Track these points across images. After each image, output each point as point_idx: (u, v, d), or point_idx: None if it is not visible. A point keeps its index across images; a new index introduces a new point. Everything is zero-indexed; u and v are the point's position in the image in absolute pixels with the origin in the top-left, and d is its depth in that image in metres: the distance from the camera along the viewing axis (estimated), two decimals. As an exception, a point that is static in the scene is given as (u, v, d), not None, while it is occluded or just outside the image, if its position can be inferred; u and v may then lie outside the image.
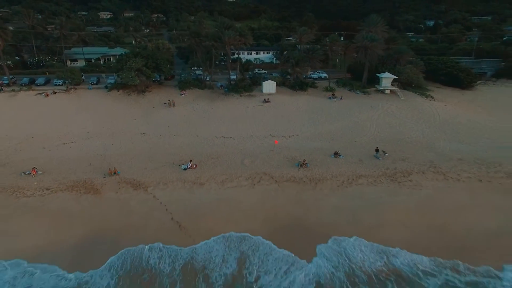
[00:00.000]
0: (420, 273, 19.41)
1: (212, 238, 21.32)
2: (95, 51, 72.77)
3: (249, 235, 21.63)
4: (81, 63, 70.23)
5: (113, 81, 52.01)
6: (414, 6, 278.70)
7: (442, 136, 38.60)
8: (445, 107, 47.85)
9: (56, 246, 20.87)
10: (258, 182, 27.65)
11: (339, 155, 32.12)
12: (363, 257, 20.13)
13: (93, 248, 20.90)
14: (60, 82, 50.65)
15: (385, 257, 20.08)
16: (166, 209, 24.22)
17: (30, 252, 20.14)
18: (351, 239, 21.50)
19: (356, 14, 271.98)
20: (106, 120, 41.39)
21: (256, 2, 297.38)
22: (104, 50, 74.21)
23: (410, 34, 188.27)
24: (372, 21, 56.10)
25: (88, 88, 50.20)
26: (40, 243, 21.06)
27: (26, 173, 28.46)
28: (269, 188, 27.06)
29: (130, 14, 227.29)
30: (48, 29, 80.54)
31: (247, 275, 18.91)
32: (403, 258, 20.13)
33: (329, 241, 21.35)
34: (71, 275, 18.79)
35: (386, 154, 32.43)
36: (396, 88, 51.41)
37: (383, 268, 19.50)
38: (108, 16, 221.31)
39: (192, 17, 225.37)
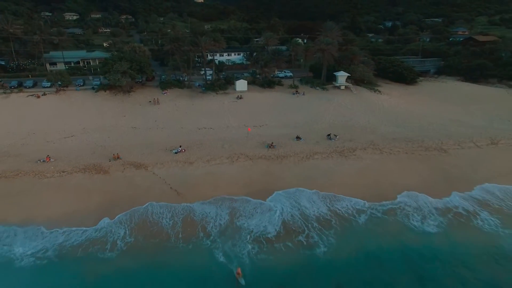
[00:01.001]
0: (354, 212, 27.93)
1: (209, 200, 28.58)
2: (75, 55, 76.65)
3: (235, 196, 29.17)
4: (60, 66, 73.87)
5: (98, 82, 57.29)
6: (374, 7, 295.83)
7: (383, 122, 48.29)
8: (389, 99, 58.14)
9: (80, 212, 27.08)
10: (236, 160, 35.26)
11: (300, 139, 40.50)
12: (313, 200, 28.46)
13: (109, 211, 27.30)
14: (48, 84, 55.20)
15: (328, 200, 28.47)
16: (165, 182, 31.16)
17: (60, 217, 26.22)
18: (309, 191, 29.82)
19: (322, 14, 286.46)
20: (98, 117, 47.07)
21: (224, 3, 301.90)
22: (83, 53, 78.19)
23: (371, 35, 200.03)
24: (329, 27, 65.67)
25: (76, 90, 55.19)
26: (67, 211, 27.20)
27: (41, 160, 34.06)
28: (245, 164, 34.75)
29: (98, 16, 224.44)
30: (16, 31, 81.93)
31: (237, 222, 26.32)
32: (343, 202, 28.62)
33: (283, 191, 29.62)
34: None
35: (337, 136, 41.29)
36: (350, 85, 61.12)
37: (328, 210, 27.81)
38: (74, 18, 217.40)
39: (161, 19, 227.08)
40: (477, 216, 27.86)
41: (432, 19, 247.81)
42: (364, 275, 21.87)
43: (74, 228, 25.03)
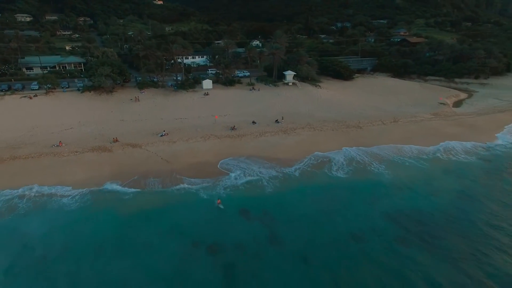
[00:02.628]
0: (293, 170, 41.93)
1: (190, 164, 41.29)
2: (51, 60, 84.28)
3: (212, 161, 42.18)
4: (36, 71, 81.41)
5: (82, 84, 67.05)
6: (327, 9, 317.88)
7: (319, 109, 63.75)
8: (327, 92, 74.23)
9: (96, 178, 38.42)
10: (208, 138, 48.32)
11: (255, 123, 54.44)
12: (263, 162, 42.39)
13: (119, 177, 38.96)
14: (36, 86, 64.02)
15: (275, 162, 42.52)
16: (157, 155, 43.37)
17: (83, 181, 37.43)
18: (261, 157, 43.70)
19: (279, 16, 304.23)
20: (89, 113, 57.51)
21: (184, 5, 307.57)
22: (58, 58, 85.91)
23: (323, 36, 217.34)
24: (278, 35, 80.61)
25: (63, 91, 64.60)
26: (86, 177, 38.45)
27: (55, 145, 44.55)
28: (215, 141, 47.90)
29: (54, 17, 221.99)
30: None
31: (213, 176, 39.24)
32: (284, 161, 42.78)
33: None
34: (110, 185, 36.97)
35: (283, 119, 55.81)
36: (296, 81, 76.40)
37: (274, 168, 41.74)
38: (28, 19, 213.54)
39: (121, 21, 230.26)
40: (371, 164, 43.33)
41: (378, 20, 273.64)
42: (298, 207, 34.90)
43: (94, 188, 36.43)
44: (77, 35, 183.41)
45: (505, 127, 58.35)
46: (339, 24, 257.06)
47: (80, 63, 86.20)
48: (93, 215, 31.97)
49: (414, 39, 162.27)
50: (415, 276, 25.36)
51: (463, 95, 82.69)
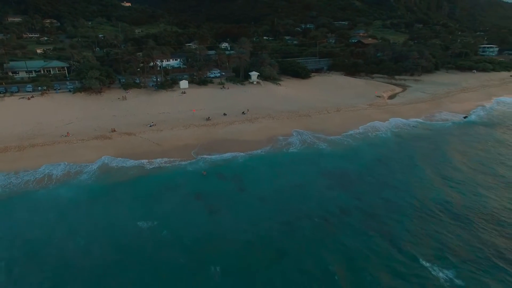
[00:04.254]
0: (256, 148, 56.21)
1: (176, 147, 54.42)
2: (36, 64, 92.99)
3: (193, 143, 55.50)
4: (22, 75, 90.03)
5: (72, 86, 77.52)
6: (293, 11, 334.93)
7: (278, 103, 78.72)
8: (286, 89, 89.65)
9: (96, 169, 50.55)
10: (188, 127, 61.60)
11: (226, 114, 68.35)
12: (233, 146, 56.53)
13: (123, 156, 51.30)
14: (31, 88, 73.79)
15: (243, 143, 56.74)
16: (149, 140, 56.05)
17: (93, 159, 49.44)
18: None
19: (247, 17, 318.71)
20: (83, 110, 68.62)
21: (152, 7, 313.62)
22: (42, 63, 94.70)
23: (288, 37, 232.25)
24: (243, 41, 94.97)
25: (56, 92, 74.85)
26: (94, 157, 50.46)
27: (64, 135, 55.88)
28: (194, 129, 61.25)
29: (18, 19, 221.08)
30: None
31: (196, 156, 52.52)
32: (248, 144, 57.05)
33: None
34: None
35: (248, 111, 70.18)
36: (260, 80, 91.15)
37: (242, 149, 55.87)
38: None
39: (90, 23, 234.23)
40: (316, 142, 58.61)
41: (340, 22, 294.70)
42: (259, 171, 48.99)
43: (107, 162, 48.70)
44: (45, 38, 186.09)
45: (422, 114, 76.70)
46: (303, 26, 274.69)
47: (63, 67, 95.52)
48: (114, 179, 44.46)
49: (368, 41, 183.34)
50: (334, 205, 40.26)
51: (398, 89, 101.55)
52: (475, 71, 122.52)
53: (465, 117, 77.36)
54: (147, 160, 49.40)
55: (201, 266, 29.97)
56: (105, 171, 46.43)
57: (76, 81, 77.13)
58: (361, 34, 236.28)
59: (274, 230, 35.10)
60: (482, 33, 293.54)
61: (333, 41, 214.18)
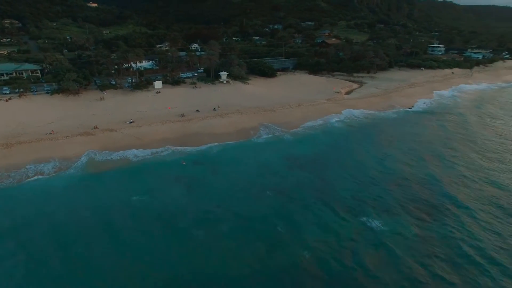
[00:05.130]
0: (227, 139, 64.34)
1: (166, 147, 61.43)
2: (8, 67, 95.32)
3: (170, 137, 62.68)
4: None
5: (49, 88, 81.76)
6: (261, 12, 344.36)
7: (246, 100, 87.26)
8: (253, 87, 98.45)
9: (85, 160, 56.67)
10: (165, 123, 68.66)
11: (198, 111, 75.98)
12: (207, 138, 64.42)
13: (108, 149, 57.64)
14: (8, 91, 77.38)
15: (215, 136, 64.72)
16: (129, 135, 62.60)
17: (78, 154, 55.43)
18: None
19: (216, 18, 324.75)
20: (63, 110, 73.55)
21: (119, 7, 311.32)
22: (14, 66, 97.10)
23: (257, 38, 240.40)
24: (212, 44, 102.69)
25: (34, 94, 78.90)
26: (81, 151, 56.46)
27: (48, 133, 61.11)
28: (170, 124, 68.40)
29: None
30: None
31: (172, 147, 59.74)
32: (220, 136, 65.13)
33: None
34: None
35: (219, 107, 78.17)
36: (230, 80, 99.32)
37: (213, 138, 63.82)
38: None
39: (54, 24, 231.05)
40: (279, 133, 67.66)
41: (306, 22, 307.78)
42: (231, 158, 57.88)
43: (92, 156, 54.94)
44: (7, 39, 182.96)
45: (373, 107, 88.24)
46: (271, 26, 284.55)
47: (36, 70, 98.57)
48: (102, 168, 50.92)
49: (331, 41, 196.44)
50: (291, 181, 49.26)
51: (355, 86, 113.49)
52: (423, 68, 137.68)
53: (410, 108, 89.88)
54: (130, 152, 56.17)
55: (180, 227, 37.87)
56: (92, 162, 52.92)
57: (54, 83, 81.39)
58: (327, 34, 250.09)
59: (238, 201, 43.55)
60: (436, 33, 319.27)
61: (300, 41, 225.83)
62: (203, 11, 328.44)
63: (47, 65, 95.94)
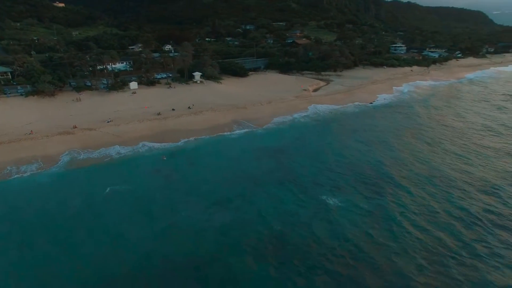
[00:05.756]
0: (202, 134, 69.70)
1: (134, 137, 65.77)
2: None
3: (148, 134, 67.18)
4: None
5: (22, 90, 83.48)
6: (233, 13, 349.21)
7: (219, 98, 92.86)
8: (225, 87, 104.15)
9: (73, 149, 60.27)
10: (142, 121, 72.99)
11: (174, 109, 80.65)
12: (185, 132, 69.57)
13: (88, 147, 61.41)
14: (-19, 94, 78.61)
15: (192, 131, 69.94)
16: (108, 133, 66.52)
17: (59, 152, 58.95)
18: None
19: (188, 19, 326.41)
20: (39, 112, 75.95)
21: (88, 8, 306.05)
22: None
23: (229, 38, 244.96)
24: (185, 46, 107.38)
25: (7, 96, 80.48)
26: (63, 149, 59.96)
27: (28, 133, 63.86)
28: (148, 122, 72.82)
29: None
30: None
31: (153, 145, 64.28)
32: (194, 131, 70.44)
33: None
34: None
35: (194, 106, 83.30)
36: (203, 80, 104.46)
37: (191, 131, 69.01)
38: None
39: (18, 24, 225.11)
40: (250, 128, 73.79)
41: (278, 23, 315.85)
42: (205, 151, 63.43)
43: (74, 154, 58.62)
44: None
45: (338, 102, 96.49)
46: (243, 27, 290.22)
47: (6, 72, 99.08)
48: (85, 164, 54.81)
49: (301, 41, 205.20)
50: (261, 169, 55.47)
51: (322, 83, 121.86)
52: (385, 66, 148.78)
53: (370, 103, 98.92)
54: (111, 148, 60.38)
55: (157, 211, 43.09)
56: (75, 159, 56.66)
57: (28, 86, 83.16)
58: (297, 34, 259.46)
59: (213, 186, 49.19)
60: (401, 33, 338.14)
61: (272, 41, 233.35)
62: (175, 12, 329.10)
63: (17, 67, 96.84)
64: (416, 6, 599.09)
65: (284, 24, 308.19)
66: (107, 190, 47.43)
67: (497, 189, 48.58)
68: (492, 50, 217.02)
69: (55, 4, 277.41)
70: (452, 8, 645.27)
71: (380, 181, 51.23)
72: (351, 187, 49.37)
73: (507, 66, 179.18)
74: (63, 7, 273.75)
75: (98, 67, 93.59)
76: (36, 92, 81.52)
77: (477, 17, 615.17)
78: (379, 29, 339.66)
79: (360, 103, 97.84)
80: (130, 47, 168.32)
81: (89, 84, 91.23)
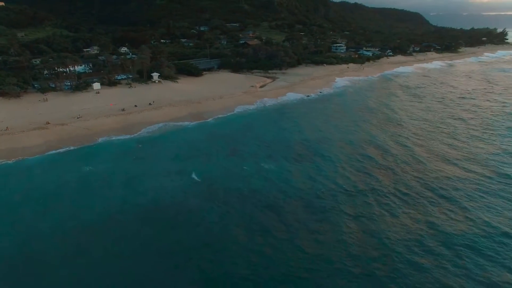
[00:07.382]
0: (163, 126, 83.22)
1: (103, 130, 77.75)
2: None
3: (116, 126, 79.40)
4: None
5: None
6: (187, 14, 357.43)
7: (176, 95, 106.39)
8: (182, 85, 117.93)
9: (51, 142, 70.98)
10: (109, 116, 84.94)
11: (136, 106, 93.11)
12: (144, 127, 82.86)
13: (64, 140, 72.49)
14: None
15: (153, 124, 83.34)
16: (80, 127, 77.79)
17: (39, 147, 69.65)
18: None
19: (142, 20, 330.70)
20: (7, 112, 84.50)
21: (34, 8, 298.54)
22: None
23: (184, 40, 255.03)
24: (143, 49, 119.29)
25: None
26: (43, 141, 70.58)
27: (4, 129, 73.27)
28: (114, 117, 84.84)
29: None
30: None
31: (122, 137, 76.69)
32: (156, 124, 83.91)
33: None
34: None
35: (154, 102, 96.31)
36: (161, 80, 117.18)
37: (147, 123, 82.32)
38: None
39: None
40: (204, 120, 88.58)
41: (231, 24, 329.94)
42: (169, 140, 77.14)
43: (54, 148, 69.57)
44: None
45: (279, 96, 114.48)
46: (198, 28, 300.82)
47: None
48: (64, 155, 66.16)
49: (252, 42, 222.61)
50: (212, 151, 70.69)
51: (268, 81, 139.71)
52: (325, 64, 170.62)
53: (307, 96, 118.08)
54: (86, 141, 72.17)
55: (131, 192, 56.83)
56: (54, 150, 67.90)
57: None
58: (250, 35, 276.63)
59: (167, 163, 63.74)
60: (348, 32, 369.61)
61: (225, 42, 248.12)
62: (128, 13, 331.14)
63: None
64: (362, 6, 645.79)
65: (237, 25, 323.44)
66: (78, 171, 59.41)
67: (387, 149, 68.71)
68: (418, 49, 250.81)
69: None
70: (394, 9, 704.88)
71: (304, 152, 68.97)
72: (282, 157, 66.43)
73: (428, 63, 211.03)
74: (3, 6, 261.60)
75: (61, 69, 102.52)
76: (0, 93, 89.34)
77: (415, 18, 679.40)
78: (327, 29, 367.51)
79: (298, 96, 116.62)
80: (85, 50, 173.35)
81: (53, 86, 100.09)
